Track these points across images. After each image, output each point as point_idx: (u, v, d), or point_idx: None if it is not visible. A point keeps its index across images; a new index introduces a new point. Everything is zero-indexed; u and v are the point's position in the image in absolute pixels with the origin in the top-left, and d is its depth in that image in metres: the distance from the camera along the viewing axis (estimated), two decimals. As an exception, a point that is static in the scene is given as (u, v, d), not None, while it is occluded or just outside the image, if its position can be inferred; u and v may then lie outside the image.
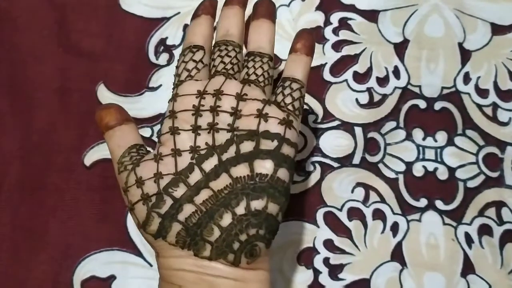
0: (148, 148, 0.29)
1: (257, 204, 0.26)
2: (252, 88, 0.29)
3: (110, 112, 0.29)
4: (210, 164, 0.27)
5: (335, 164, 0.37)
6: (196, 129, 0.27)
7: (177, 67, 0.30)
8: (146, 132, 0.38)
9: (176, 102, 0.28)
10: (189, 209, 0.26)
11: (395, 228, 0.36)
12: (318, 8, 0.40)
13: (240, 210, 0.26)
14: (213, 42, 0.31)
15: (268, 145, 0.27)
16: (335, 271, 0.35)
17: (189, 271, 0.25)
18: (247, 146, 0.27)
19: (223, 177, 0.26)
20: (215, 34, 0.31)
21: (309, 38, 0.30)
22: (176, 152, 0.27)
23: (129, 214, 0.36)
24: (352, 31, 0.40)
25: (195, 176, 0.26)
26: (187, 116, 0.28)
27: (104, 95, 0.39)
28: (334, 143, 0.37)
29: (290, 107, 0.28)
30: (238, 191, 0.26)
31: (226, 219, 0.26)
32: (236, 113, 0.28)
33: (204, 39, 0.30)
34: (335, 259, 0.35)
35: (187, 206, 0.26)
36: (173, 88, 0.30)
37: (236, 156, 0.27)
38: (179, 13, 0.40)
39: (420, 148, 0.37)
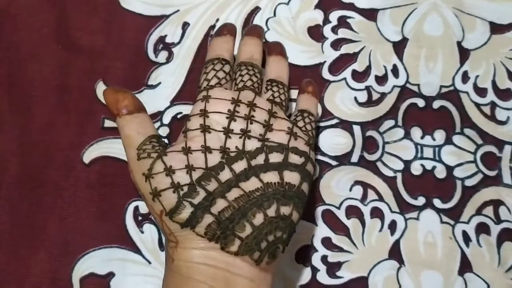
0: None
1: (285, 210, 0.28)
2: (278, 108, 0.31)
3: (128, 96, 0.29)
4: (239, 166, 0.28)
5: (334, 163, 0.37)
6: (228, 132, 0.29)
7: (205, 73, 0.32)
8: (145, 129, 0.38)
9: (208, 103, 0.30)
10: (222, 203, 0.27)
11: (393, 226, 0.36)
12: (317, 6, 0.40)
13: (271, 212, 0.27)
14: (235, 61, 0.34)
15: (296, 159, 0.29)
16: (333, 269, 0.35)
17: (209, 265, 0.26)
18: (276, 157, 0.29)
19: (253, 180, 0.28)
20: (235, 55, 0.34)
21: (316, 86, 0.35)
22: (207, 149, 0.28)
23: (128, 212, 0.36)
24: (351, 29, 0.40)
25: (225, 175, 0.27)
26: (220, 118, 0.29)
27: (103, 92, 0.39)
28: (332, 141, 0.37)
29: (310, 133, 0.32)
30: (270, 194, 0.28)
31: (259, 219, 0.27)
32: (268, 126, 0.30)
33: (230, 56, 0.33)
34: (333, 257, 0.35)
35: (220, 200, 0.27)
36: (200, 90, 0.31)
37: (265, 164, 0.29)
38: (178, 11, 0.40)
39: (419, 146, 0.37)
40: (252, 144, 0.29)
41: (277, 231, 0.27)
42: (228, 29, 0.34)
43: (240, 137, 0.29)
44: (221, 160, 0.28)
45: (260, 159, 0.29)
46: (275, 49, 0.35)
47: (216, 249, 0.26)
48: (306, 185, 0.29)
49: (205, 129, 0.28)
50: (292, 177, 0.29)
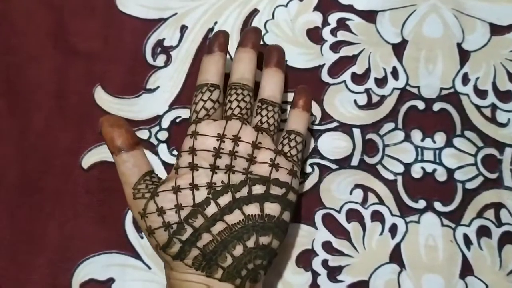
0: (156, 173, 0.32)
1: (264, 240, 0.30)
2: (264, 136, 0.32)
3: (122, 134, 0.31)
4: (224, 200, 0.30)
5: (334, 166, 0.37)
6: (214, 168, 0.31)
7: (195, 103, 0.33)
8: (143, 134, 0.38)
9: (196, 141, 0.31)
10: (207, 237, 0.30)
11: (393, 229, 0.36)
12: (316, 8, 0.40)
13: (250, 243, 0.30)
14: (227, 81, 0.34)
15: (277, 191, 0.31)
16: (333, 273, 0.35)
17: (200, 283, 0.29)
18: (258, 189, 0.31)
19: (236, 212, 0.30)
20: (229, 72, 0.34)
21: (308, 96, 0.34)
22: (194, 187, 0.30)
23: (127, 217, 0.36)
24: (350, 31, 0.39)
25: (211, 209, 0.30)
26: (207, 155, 0.31)
27: (101, 97, 0.38)
28: (332, 144, 0.37)
29: (295, 158, 0.33)
30: (249, 227, 0.30)
31: (238, 250, 0.29)
32: (251, 160, 0.31)
33: (220, 78, 0.33)
34: (333, 261, 0.35)
35: (205, 235, 0.30)
36: (190, 123, 0.32)
37: (248, 196, 0.31)
38: (176, 14, 0.40)
39: (419, 149, 0.37)
40: (236, 178, 0.31)
41: (256, 259, 0.30)
42: (218, 45, 0.33)
43: (225, 172, 0.31)
44: (207, 196, 0.30)
45: (244, 191, 0.31)
46: (272, 59, 0.34)
47: (203, 275, 0.29)
48: (287, 213, 0.31)
49: (193, 167, 0.31)
50: (272, 208, 0.31)
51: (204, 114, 0.32)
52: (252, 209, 0.30)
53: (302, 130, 0.34)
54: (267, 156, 0.32)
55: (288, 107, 0.37)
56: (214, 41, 0.34)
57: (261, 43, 0.36)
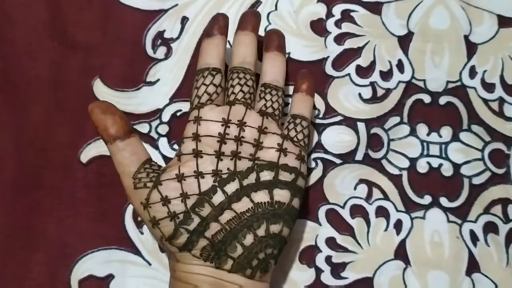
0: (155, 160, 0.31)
1: (275, 228, 0.29)
2: (269, 121, 0.31)
3: (117, 121, 0.29)
4: (231, 187, 0.29)
5: (338, 161, 0.36)
6: (220, 155, 0.30)
7: (196, 88, 0.31)
8: (144, 128, 0.37)
9: (200, 126, 0.30)
10: (215, 227, 0.28)
11: (398, 225, 0.35)
12: (320, -1, 0.39)
13: (261, 232, 0.29)
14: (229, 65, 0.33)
15: (286, 176, 0.30)
16: (337, 269, 0.34)
17: (207, 275, 0.28)
18: (266, 175, 0.30)
19: (245, 200, 0.29)
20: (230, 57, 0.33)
21: (312, 80, 0.34)
22: (200, 175, 0.29)
23: (127, 212, 0.35)
24: (355, 23, 0.38)
25: (218, 198, 0.29)
26: (211, 141, 0.30)
27: (101, 90, 0.38)
28: (336, 139, 0.37)
29: (302, 142, 0.32)
30: (259, 215, 0.29)
31: (249, 239, 0.29)
32: (258, 145, 0.30)
33: (221, 62, 0.32)
34: (337, 258, 0.35)
35: (213, 224, 0.29)
36: (192, 108, 0.31)
37: (256, 183, 0.30)
38: (177, 5, 0.39)
39: (425, 143, 0.36)
40: (243, 164, 0.30)
41: (267, 248, 0.29)
42: (218, 28, 0.33)
43: (231, 159, 0.30)
44: (213, 183, 0.29)
45: (251, 178, 0.30)
46: (273, 43, 0.34)
47: (212, 266, 0.28)
48: (297, 200, 0.31)
49: (197, 154, 0.30)
50: (282, 195, 0.30)
51: (206, 99, 0.31)
52: (261, 196, 0.29)
53: (307, 114, 0.33)
54: (274, 141, 0.31)
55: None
56: (214, 24, 0.33)
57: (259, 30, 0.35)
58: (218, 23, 0.33)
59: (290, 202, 0.30)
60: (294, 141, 0.32)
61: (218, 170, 0.29)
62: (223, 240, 0.28)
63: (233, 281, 0.28)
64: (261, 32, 0.36)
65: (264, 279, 0.30)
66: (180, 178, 0.29)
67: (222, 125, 0.30)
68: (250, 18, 0.33)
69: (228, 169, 0.30)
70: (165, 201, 0.28)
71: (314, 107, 0.37)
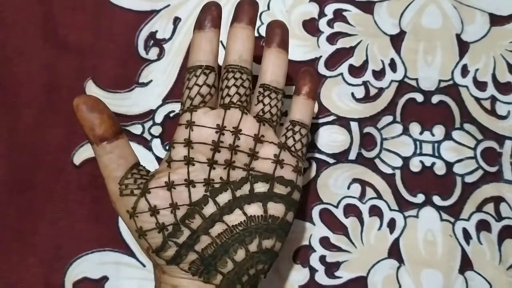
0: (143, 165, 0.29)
1: (267, 243, 0.28)
2: (266, 128, 0.29)
3: (105, 120, 0.27)
4: (223, 198, 0.28)
5: (331, 160, 0.36)
6: (212, 163, 0.28)
7: (188, 88, 0.29)
8: (137, 129, 0.37)
9: (192, 132, 0.28)
10: (205, 240, 0.27)
11: (392, 224, 0.35)
12: (312, -1, 0.39)
13: (253, 247, 0.28)
14: (220, 60, 0.31)
15: (281, 189, 0.29)
16: (331, 269, 0.34)
17: None
18: (261, 187, 0.28)
19: (237, 212, 0.28)
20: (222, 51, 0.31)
21: (314, 81, 0.32)
22: (190, 183, 0.27)
23: (120, 214, 0.35)
24: (348, 23, 0.39)
25: (209, 209, 0.27)
26: (204, 149, 0.28)
27: (93, 91, 0.37)
28: (329, 138, 0.37)
29: (299, 153, 0.30)
30: (252, 229, 0.28)
31: (240, 255, 0.27)
32: (253, 155, 0.29)
33: (214, 58, 0.30)
34: (331, 257, 0.35)
35: (203, 237, 0.27)
36: (184, 110, 0.29)
37: (250, 195, 0.28)
38: (169, 5, 0.39)
39: (417, 142, 0.36)
40: (237, 174, 0.28)
41: (258, 264, 0.28)
42: (211, 20, 0.29)
43: (225, 168, 0.28)
44: (205, 193, 0.28)
45: (245, 189, 0.28)
46: (275, 38, 0.30)
47: (200, 280, 0.27)
48: (291, 214, 0.29)
49: (189, 161, 0.28)
50: (276, 209, 0.28)
51: (199, 101, 0.29)
52: (254, 209, 0.28)
53: (307, 121, 0.31)
54: (271, 151, 0.29)
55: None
56: (205, 15, 0.30)
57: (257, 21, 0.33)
58: (211, 14, 0.30)
59: (284, 217, 0.28)
60: (292, 151, 0.30)
61: (210, 179, 0.28)
62: (213, 254, 0.27)
63: None
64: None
65: None
66: (170, 186, 0.27)
67: (217, 132, 0.28)
68: (247, 9, 0.30)
69: (221, 178, 0.28)
70: (154, 211, 0.27)
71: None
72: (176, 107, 0.37)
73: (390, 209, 0.35)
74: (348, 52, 0.38)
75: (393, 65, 0.38)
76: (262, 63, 0.31)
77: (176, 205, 0.27)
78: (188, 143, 0.28)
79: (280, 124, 0.32)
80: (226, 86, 0.29)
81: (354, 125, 0.37)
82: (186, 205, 0.27)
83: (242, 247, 0.27)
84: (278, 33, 0.31)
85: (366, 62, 0.38)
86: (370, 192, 0.36)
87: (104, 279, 0.35)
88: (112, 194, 0.28)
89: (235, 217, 0.28)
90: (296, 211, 0.30)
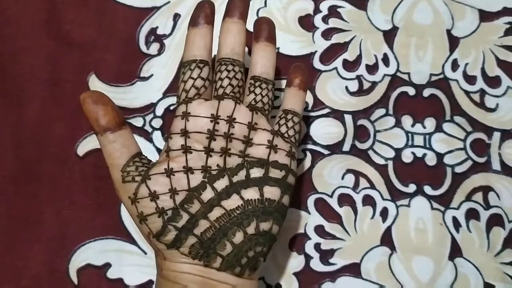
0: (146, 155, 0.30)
1: (265, 226, 0.29)
2: (259, 116, 0.31)
3: (109, 111, 0.29)
4: (221, 184, 0.29)
5: (326, 152, 0.37)
6: (209, 151, 0.29)
7: (183, 82, 0.30)
8: (138, 122, 0.38)
9: (188, 122, 0.29)
10: (204, 224, 0.28)
11: (384, 213, 0.36)
12: (307, -4, 0.40)
13: (251, 230, 0.28)
14: (215, 54, 0.32)
15: (276, 173, 0.30)
16: (326, 256, 0.36)
17: (195, 274, 0.28)
18: (256, 172, 0.29)
19: (234, 197, 0.29)
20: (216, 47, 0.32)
21: (305, 74, 0.33)
22: (189, 170, 0.28)
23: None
24: (342, 19, 0.40)
25: (207, 194, 0.28)
26: (200, 137, 0.29)
27: (96, 85, 0.39)
28: (324, 130, 0.38)
29: (292, 139, 0.31)
30: (249, 212, 0.29)
31: (238, 237, 0.28)
32: (248, 142, 0.30)
33: (208, 53, 0.31)
34: (326, 245, 0.36)
35: (202, 221, 0.28)
36: (179, 103, 0.30)
37: (246, 180, 0.29)
38: (169, 2, 0.40)
39: (409, 134, 0.38)
40: (233, 161, 0.29)
41: (256, 246, 0.28)
42: (204, 16, 0.31)
43: (221, 155, 0.29)
44: (203, 179, 0.29)
45: (241, 175, 0.29)
46: (263, 33, 0.32)
47: (200, 264, 0.28)
48: (287, 197, 0.30)
49: (186, 150, 0.29)
50: (272, 192, 0.29)
51: (194, 93, 0.30)
52: (251, 194, 0.29)
53: (298, 110, 0.32)
54: (264, 137, 0.30)
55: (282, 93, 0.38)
56: (199, 12, 0.31)
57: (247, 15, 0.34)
58: (204, 11, 0.31)
59: (280, 200, 0.29)
60: (285, 137, 0.31)
61: (207, 166, 0.29)
62: (212, 237, 0.28)
63: (222, 280, 0.28)
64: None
65: (253, 277, 0.29)
66: (169, 173, 0.28)
67: (211, 121, 0.30)
68: (238, 3, 0.32)
69: (217, 165, 0.29)
70: (154, 196, 0.28)
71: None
72: (176, 100, 0.38)
73: (383, 199, 0.37)
74: (342, 47, 0.39)
75: (386, 60, 0.39)
76: (251, 56, 0.32)
77: (175, 190, 0.28)
78: (185, 133, 0.29)
79: (272, 116, 0.33)
80: (219, 78, 0.31)
81: (348, 118, 0.38)
82: (185, 191, 0.28)
83: (240, 229, 0.28)
84: (265, 28, 0.32)
85: (359, 57, 0.39)
86: (363, 182, 0.37)
87: (107, 265, 0.36)
88: (115, 181, 0.29)
89: (232, 202, 0.29)
90: (291, 194, 0.31)
